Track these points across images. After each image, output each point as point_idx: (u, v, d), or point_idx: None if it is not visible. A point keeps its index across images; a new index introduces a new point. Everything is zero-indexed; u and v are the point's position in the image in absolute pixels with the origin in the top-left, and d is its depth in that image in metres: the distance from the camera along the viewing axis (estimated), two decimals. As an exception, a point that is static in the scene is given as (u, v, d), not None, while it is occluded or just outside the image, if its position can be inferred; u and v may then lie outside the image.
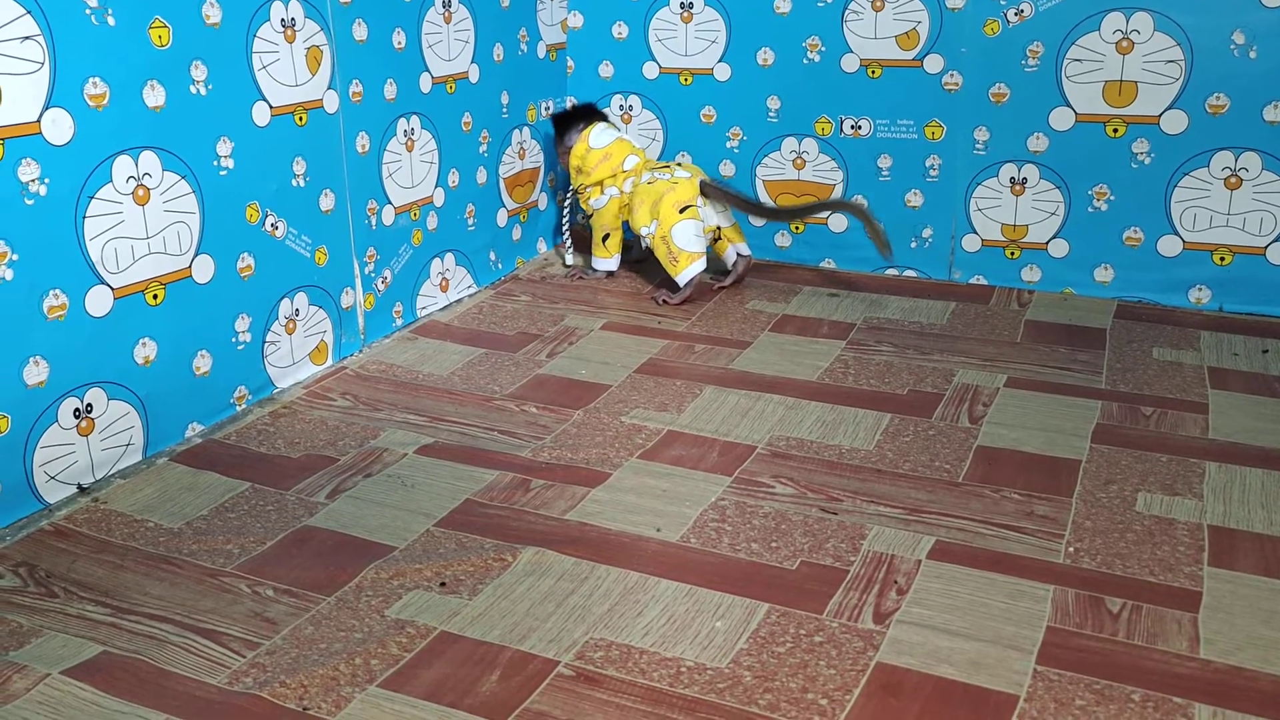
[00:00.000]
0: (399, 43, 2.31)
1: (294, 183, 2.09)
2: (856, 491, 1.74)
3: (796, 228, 2.83)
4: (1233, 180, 2.39)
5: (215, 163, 1.91)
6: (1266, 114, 2.33)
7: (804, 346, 2.33)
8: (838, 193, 2.76)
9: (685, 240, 2.51)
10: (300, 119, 2.08)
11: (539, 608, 1.45)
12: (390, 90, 2.30)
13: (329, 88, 2.14)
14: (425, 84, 2.41)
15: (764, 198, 2.85)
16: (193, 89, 1.85)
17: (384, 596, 1.48)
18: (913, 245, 2.72)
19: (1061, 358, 2.23)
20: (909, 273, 2.75)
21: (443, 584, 1.50)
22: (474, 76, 2.56)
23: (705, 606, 1.45)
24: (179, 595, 1.50)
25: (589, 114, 2.75)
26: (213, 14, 1.87)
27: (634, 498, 1.73)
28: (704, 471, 1.81)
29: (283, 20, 2.01)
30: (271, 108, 2.01)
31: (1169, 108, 2.41)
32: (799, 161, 2.78)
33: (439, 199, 2.51)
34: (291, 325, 2.12)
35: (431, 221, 2.49)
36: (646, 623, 1.42)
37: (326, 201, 2.17)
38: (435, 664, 1.35)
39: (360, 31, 2.20)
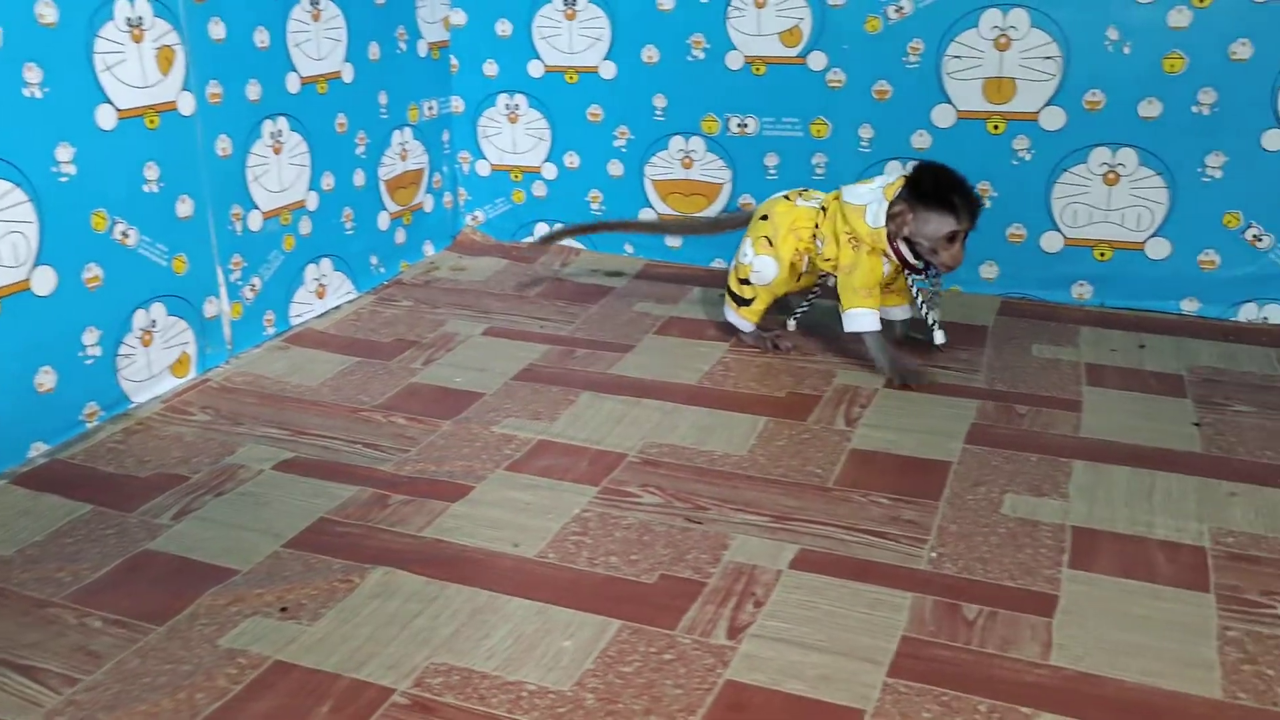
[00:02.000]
0: (261, 42, 2.22)
1: (146, 188, 1.99)
2: (724, 499, 1.70)
3: (673, 246, 2.79)
4: (1111, 176, 2.40)
5: (54, 169, 1.82)
6: (1141, 109, 2.34)
7: (688, 349, 2.29)
8: (726, 191, 2.73)
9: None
10: (151, 122, 1.99)
11: (382, 632, 1.39)
12: (253, 91, 2.22)
13: (184, 89, 2.05)
14: (293, 84, 2.33)
15: (653, 197, 2.81)
16: (26, 92, 1.76)
17: (219, 625, 1.41)
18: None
19: (942, 356, 2.22)
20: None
21: (283, 609, 1.44)
22: (348, 76, 2.48)
23: (555, 626, 1.40)
24: (2, 629, 1.41)
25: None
26: (48, 13, 1.77)
27: (496, 512, 1.67)
28: (571, 482, 1.76)
29: (129, 19, 1.92)
30: (118, 110, 1.92)
31: (1047, 104, 2.41)
32: (687, 160, 2.75)
33: (312, 203, 2.42)
34: (148, 337, 2.03)
35: (304, 226, 2.41)
36: (492, 645, 1.36)
37: (184, 208, 2.08)
38: (265, 696, 1.28)
39: (217, 30, 2.11)
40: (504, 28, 2.81)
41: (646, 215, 2.80)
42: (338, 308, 2.53)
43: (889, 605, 1.43)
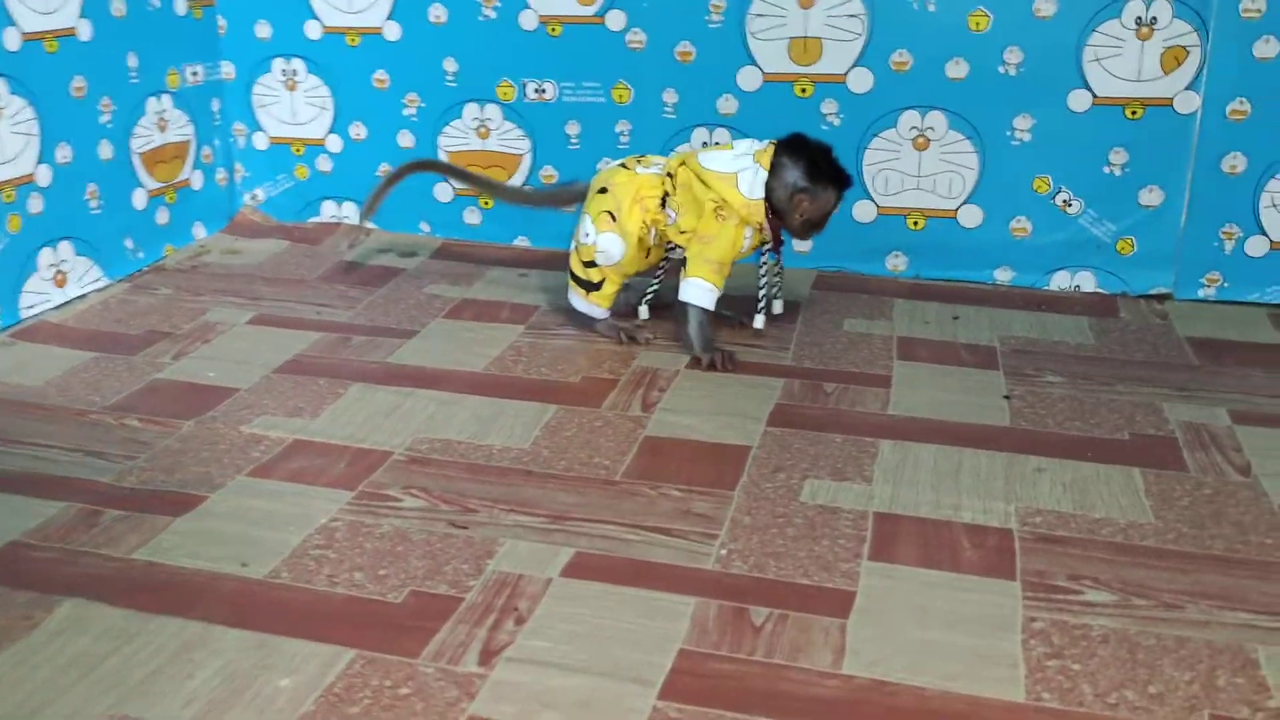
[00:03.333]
0: (-34, -11, 1.92)
1: None
2: (497, 499, 1.51)
3: (485, 203, 2.59)
4: (921, 141, 2.30)
5: None
6: (949, 70, 2.24)
7: (478, 333, 2.09)
8: (526, 163, 2.53)
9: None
10: None
11: (60, 678, 1.15)
12: (-44, 46, 1.92)
13: None
14: (12, 40, 2.02)
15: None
16: None
17: None
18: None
19: (753, 332, 2.08)
20: (606, 248, 2.55)
21: (-62, 659, 1.18)
22: (85, 33, 2.19)
23: (276, 660, 1.18)
24: None
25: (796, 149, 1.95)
26: None
27: (228, 525, 1.44)
28: (324, 487, 1.54)
29: None
30: None
31: (854, 65, 2.29)
32: (483, 130, 2.54)
33: (43, 178, 2.12)
34: None
35: (35, 204, 2.11)
36: (194, 688, 1.14)
37: None
38: (-113, 775, 1.03)
39: (-97, -27, 1.81)
40: (276, -16, 2.55)
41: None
42: (82, 297, 2.23)
43: (668, 613, 1.27)
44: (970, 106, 2.26)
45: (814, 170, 1.90)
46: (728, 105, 2.38)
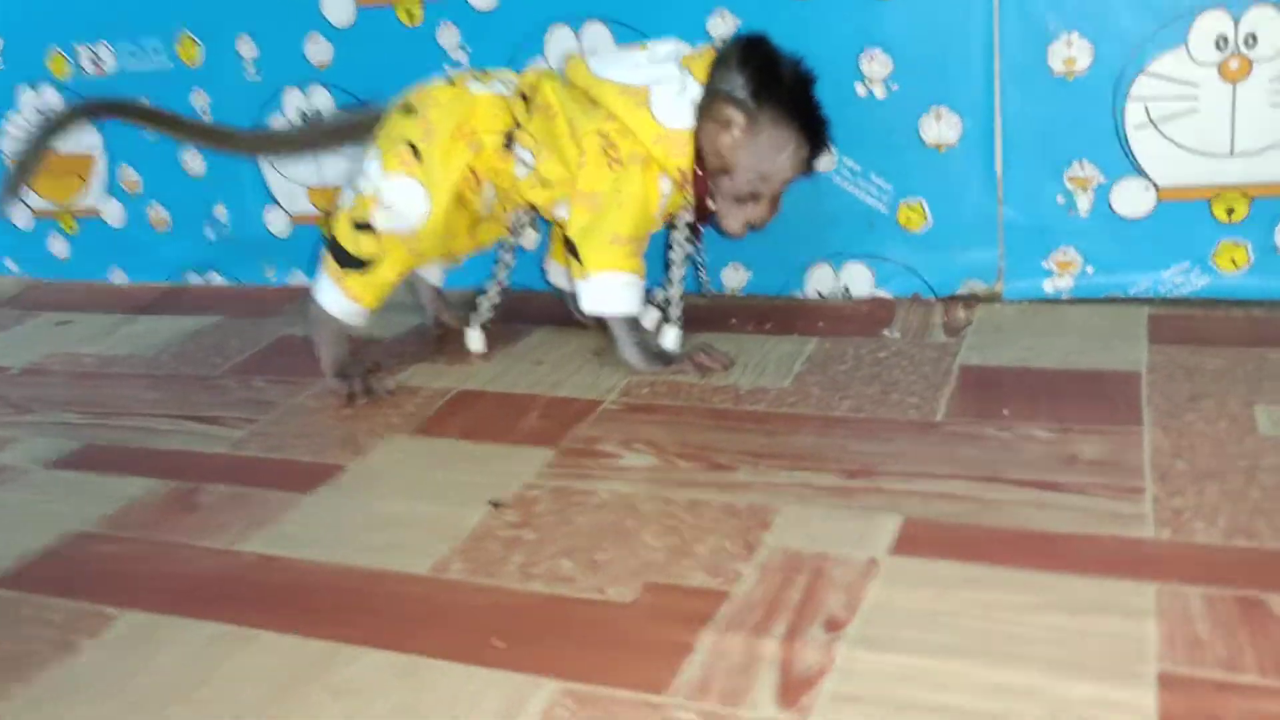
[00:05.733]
0: None
1: None
2: None
3: (69, 226, 1.86)
4: (577, 73, 1.44)
5: None
6: None
7: None
8: (101, 165, 1.80)
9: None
10: None
11: None
12: None
13: None
14: None
15: (17, 184, 1.89)
16: None
17: None
18: (208, 235, 1.76)
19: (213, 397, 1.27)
20: (213, 276, 1.79)
21: None
22: None
23: None
24: None
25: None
26: None
27: None
28: None
29: None
30: None
31: (467, -35, 1.46)
32: (45, 123, 1.82)
33: None
34: None
35: None
36: None
37: None
38: None
39: None
40: None
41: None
42: None
43: None
44: (644, 10, 1.39)
45: (764, 84, 1.11)
46: (318, 50, 1.58)
